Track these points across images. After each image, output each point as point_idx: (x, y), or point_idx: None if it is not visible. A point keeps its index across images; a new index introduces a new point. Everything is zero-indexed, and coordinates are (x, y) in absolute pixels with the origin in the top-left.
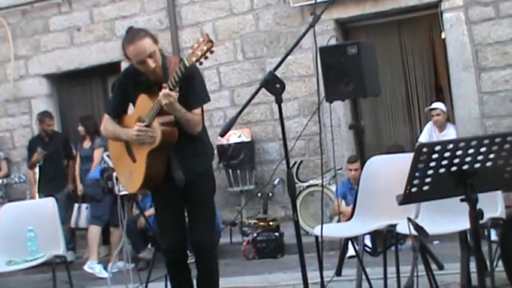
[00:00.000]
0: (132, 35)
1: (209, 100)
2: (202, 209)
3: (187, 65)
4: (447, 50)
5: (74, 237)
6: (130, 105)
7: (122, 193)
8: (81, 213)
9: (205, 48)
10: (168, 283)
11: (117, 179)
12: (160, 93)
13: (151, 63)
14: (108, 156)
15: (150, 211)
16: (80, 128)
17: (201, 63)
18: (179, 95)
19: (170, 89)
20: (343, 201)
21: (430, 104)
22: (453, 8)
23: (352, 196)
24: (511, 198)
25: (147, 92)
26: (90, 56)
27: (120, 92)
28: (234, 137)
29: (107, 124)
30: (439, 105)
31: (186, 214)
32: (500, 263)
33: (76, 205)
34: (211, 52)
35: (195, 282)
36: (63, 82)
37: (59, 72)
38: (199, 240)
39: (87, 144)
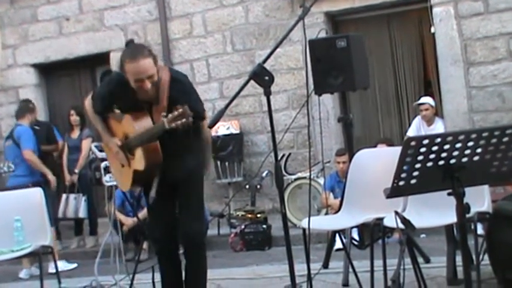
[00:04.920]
0: (135, 51)
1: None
2: (191, 199)
3: (167, 127)
4: (436, 44)
5: (58, 228)
6: None
7: (109, 184)
8: (69, 203)
9: (184, 121)
10: (155, 274)
11: (104, 169)
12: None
13: (148, 84)
14: (96, 146)
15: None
16: (75, 118)
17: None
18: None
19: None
20: (331, 194)
21: (419, 99)
22: (443, 2)
23: (340, 189)
24: (498, 192)
25: (134, 110)
26: (78, 46)
27: (108, 96)
28: (223, 128)
29: (91, 114)
30: (427, 99)
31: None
32: (486, 256)
33: (64, 195)
34: (189, 126)
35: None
36: (52, 72)
37: (47, 62)
38: (187, 230)
39: (75, 134)
